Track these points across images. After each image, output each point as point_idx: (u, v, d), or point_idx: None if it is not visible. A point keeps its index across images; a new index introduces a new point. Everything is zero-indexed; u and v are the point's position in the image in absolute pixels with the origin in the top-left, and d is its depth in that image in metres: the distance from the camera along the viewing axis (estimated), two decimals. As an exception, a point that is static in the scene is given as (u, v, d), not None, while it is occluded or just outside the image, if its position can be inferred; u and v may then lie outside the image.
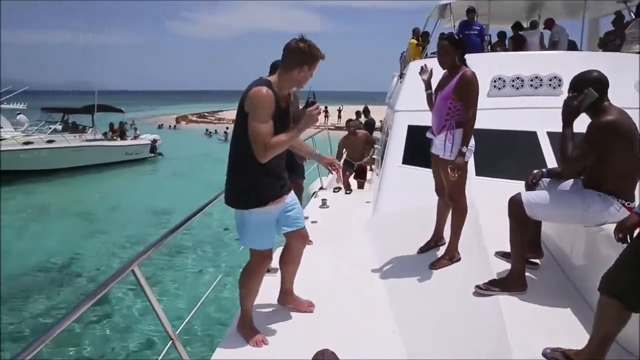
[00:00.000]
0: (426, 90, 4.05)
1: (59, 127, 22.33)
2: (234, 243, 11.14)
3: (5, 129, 25.04)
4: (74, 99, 26.01)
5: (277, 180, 2.93)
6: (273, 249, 3.09)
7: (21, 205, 16.31)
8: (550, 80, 6.11)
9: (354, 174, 8.59)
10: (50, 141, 20.82)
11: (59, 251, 11.52)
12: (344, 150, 8.49)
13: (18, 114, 25.37)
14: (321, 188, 7.63)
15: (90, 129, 22.98)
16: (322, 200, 6.53)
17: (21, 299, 9.03)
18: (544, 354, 2.46)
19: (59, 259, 11.06)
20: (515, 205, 3.11)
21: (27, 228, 13.99)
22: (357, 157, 8.61)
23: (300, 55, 2.74)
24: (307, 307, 3.42)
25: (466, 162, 3.74)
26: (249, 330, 3.02)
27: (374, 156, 8.89)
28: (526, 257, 3.32)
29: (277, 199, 2.92)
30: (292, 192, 3.13)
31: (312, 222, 5.65)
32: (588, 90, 2.83)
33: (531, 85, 6.20)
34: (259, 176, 2.81)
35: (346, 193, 7.54)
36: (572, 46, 8.32)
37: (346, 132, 8.61)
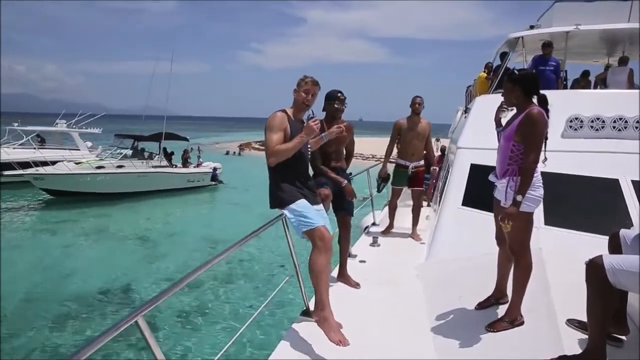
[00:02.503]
0: (496, 127, 3.70)
1: (129, 152, 23.37)
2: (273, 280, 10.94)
3: (82, 152, 26.81)
4: (145, 122, 27.27)
5: (302, 184, 3.56)
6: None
7: (89, 228, 17.00)
8: (638, 122, 5.45)
9: (403, 188, 6.70)
10: (120, 166, 21.82)
11: (121, 274, 11.73)
12: (397, 143, 6.40)
13: (86, 142, 27.45)
14: (373, 224, 7.19)
15: (157, 155, 23.86)
16: (374, 237, 6.12)
17: (81, 320, 9.17)
18: None
19: (118, 282, 11.23)
20: (596, 270, 2.57)
21: (92, 249, 14.49)
22: (417, 154, 6.42)
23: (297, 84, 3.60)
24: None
25: (531, 213, 3.30)
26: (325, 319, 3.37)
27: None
28: (608, 332, 2.76)
29: (305, 198, 3.52)
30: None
31: (360, 261, 5.28)
32: None
33: (614, 127, 5.57)
34: (284, 182, 3.51)
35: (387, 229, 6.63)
36: None
37: None
